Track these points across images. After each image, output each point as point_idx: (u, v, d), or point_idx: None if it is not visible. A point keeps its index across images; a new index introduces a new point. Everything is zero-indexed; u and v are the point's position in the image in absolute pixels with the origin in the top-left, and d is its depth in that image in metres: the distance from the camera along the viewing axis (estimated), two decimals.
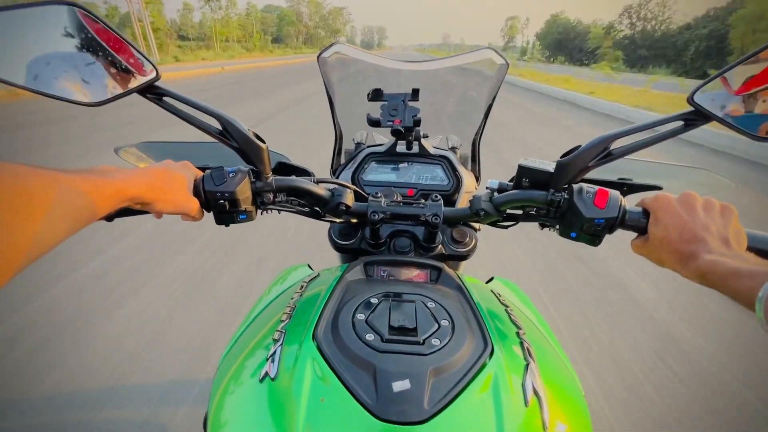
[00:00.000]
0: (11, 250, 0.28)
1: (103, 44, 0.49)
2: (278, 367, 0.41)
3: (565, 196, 0.57)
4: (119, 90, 0.52)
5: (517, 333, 0.49)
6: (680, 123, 0.51)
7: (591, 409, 0.48)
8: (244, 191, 0.57)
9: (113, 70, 0.51)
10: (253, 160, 0.59)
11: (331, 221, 0.73)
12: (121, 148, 0.74)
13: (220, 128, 0.58)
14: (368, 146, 0.90)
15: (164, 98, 0.56)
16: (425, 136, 0.85)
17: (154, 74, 0.53)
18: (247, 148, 0.58)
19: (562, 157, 0.57)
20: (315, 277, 0.64)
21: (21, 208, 0.28)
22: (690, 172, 0.73)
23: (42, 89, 0.48)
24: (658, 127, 0.53)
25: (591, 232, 0.55)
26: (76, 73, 0.49)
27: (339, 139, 0.93)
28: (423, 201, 0.67)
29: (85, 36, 0.48)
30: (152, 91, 0.55)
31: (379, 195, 0.68)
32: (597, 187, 0.56)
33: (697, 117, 0.50)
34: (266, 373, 0.41)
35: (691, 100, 0.49)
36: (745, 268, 0.38)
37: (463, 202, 0.82)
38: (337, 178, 0.86)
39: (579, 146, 0.56)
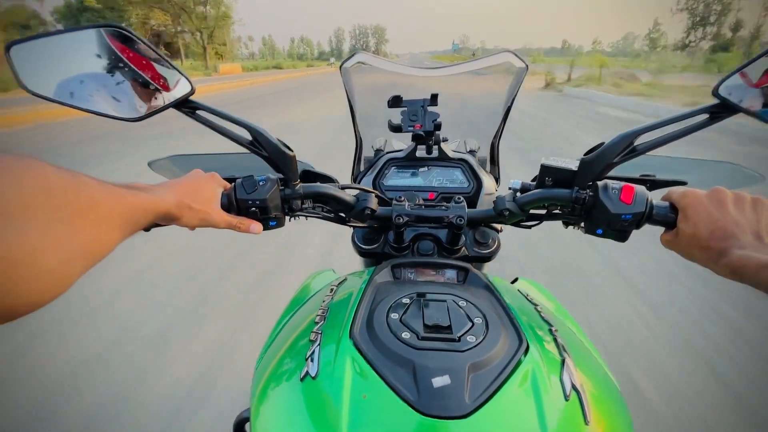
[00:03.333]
0: (78, 256, 0.29)
1: (143, 62, 0.52)
2: (318, 366, 0.42)
3: (590, 194, 0.57)
4: (157, 105, 0.55)
5: (550, 330, 0.49)
6: (705, 116, 0.51)
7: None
8: (274, 198, 0.59)
9: (152, 87, 0.54)
10: (282, 169, 0.61)
11: (355, 226, 0.74)
12: (154, 161, 0.78)
13: (251, 138, 0.60)
14: (388, 152, 0.91)
15: (197, 111, 0.58)
16: (445, 140, 0.86)
17: (189, 89, 0.56)
18: (276, 157, 0.60)
19: (585, 154, 0.58)
20: (343, 281, 0.65)
21: (88, 217, 0.30)
22: (716, 166, 0.73)
23: (86, 107, 0.51)
24: (683, 121, 0.53)
25: (618, 228, 0.55)
26: (118, 90, 0.52)
27: (359, 146, 0.95)
28: (446, 204, 0.68)
29: (126, 55, 0.51)
30: (187, 105, 0.57)
31: (403, 199, 0.69)
32: (623, 183, 0.56)
33: (722, 110, 0.50)
34: (307, 373, 0.42)
35: (716, 93, 0.49)
36: None
37: (483, 204, 0.82)
38: (359, 184, 0.88)
39: (602, 143, 0.57)
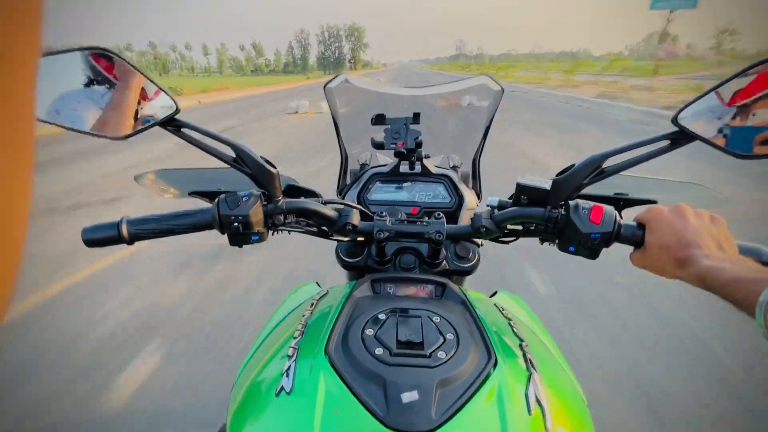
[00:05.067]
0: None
1: (129, 83, 0.54)
2: (293, 382, 0.44)
3: (562, 213, 0.60)
4: (143, 124, 0.56)
5: (520, 345, 0.51)
6: (667, 142, 0.54)
7: (594, 418, 0.49)
8: (256, 214, 0.61)
9: (138, 106, 0.55)
10: (265, 185, 0.62)
11: (338, 240, 0.76)
12: (140, 176, 0.79)
13: (234, 156, 0.62)
14: (372, 167, 0.94)
15: (182, 129, 0.60)
16: (427, 156, 0.88)
17: (174, 108, 0.57)
18: (259, 174, 0.62)
19: (557, 175, 0.60)
20: (324, 294, 0.67)
21: None
22: (684, 187, 0.76)
23: (74, 126, 0.52)
24: (647, 146, 0.56)
25: (588, 247, 0.58)
26: (105, 110, 0.54)
27: (345, 161, 0.97)
28: (426, 219, 0.70)
29: (113, 76, 0.53)
30: (172, 124, 0.59)
31: (384, 214, 0.71)
32: (592, 204, 0.58)
33: (681, 137, 0.53)
34: (282, 388, 0.43)
35: (675, 121, 0.52)
36: (745, 275, 0.40)
37: (465, 219, 0.85)
38: (343, 198, 0.90)
39: (573, 165, 0.59)
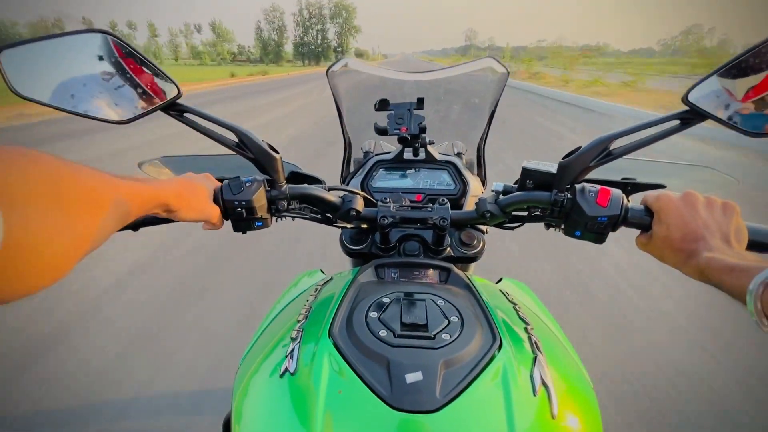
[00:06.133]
0: (76, 242, 0.31)
1: (131, 67, 0.54)
2: (297, 363, 0.44)
3: (569, 196, 0.59)
4: (145, 108, 0.56)
5: (525, 328, 0.51)
6: (677, 122, 0.53)
7: (600, 403, 0.49)
8: (260, 199, 0.60)
9: (140, 90, 0.55)
10: (268, 170, 0.62)
11: (342, 227, 0.76)
12: (143, 162, 0.79)
13: (237, 141, 0.61)
14: (376, 154, 0.93)
15: (185, 114, 0.60)
16: (431, 143, 0.87)
17: (176, 92, 0.57)
18: (262, 159, 0.61)
19: (563, 158, 0.60)
20: (328, 280, 0.67)
21: (86, 205, 0.32)
22: (693, 170, 0.75)
23: (75, 110, 0.52)
24: (656, 127, 0.54)
25: (595, 231, 0.57)
26: (106, 94, 0.54)
27: (348, 148, 0.96)
28: (430, 205, 0.70)
29: (114, 60, 0.52)
30: (174, 108, 0.58)
31: (388, 200, 0.70)
32: (599, 186, 0.57)
33: (692, 116, 0.52)
34: (286, 369, 0.43)
35: (685, 100, 0.51)
36: (741, 264, 0.40)
37: (469, 205, 0.84)
38: (347, 185, 0.89)
39: (579, 147, 0.58)
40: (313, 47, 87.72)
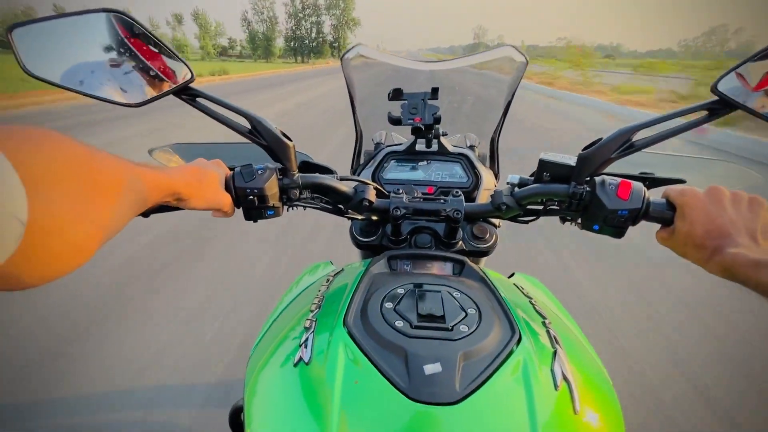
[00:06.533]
0: (97, 227, 0.30)
1: (143, 48, 0.52)
2: (311, 352, 0.43)
3: (587, 189, 0.57)
4: (157, 91, 0.55)
5: (543, 323, 0.49)
6: (704, 113, 0.52)
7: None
8: (271, 187, 0.59)
9: (152, 73, 0.54)
10: (281, 158, 0.61)
11: (353, 218, 0.75)
12: (154, 149, 0.78)
13: (250, 127, 0.60)
14: (387, 146, 0.92)
15: (197, 99, 0.59)
16: (444, 134, 0.86)
17: (189, 76, 0.56)
18: (275, 146, 0.60)
19: (583, 150, 0.58)
20: (339, 271, 0.66)
21: (107, 190, 0.31)
22: (715, 165, 0.73)
23: (87, 91, 0.51)
24: (681, 118, 0.53)
25: (614, 224, 0.56)
26: (118, 75, 0.52)
27: (359, 139, 0.95)
28: (444, 197, 0.68)
29: (127, 41, 0.51)
30: (187, 93, 0.57)
31: (401, 192, 0.69)
32: (620, 179, 0.56)
33: (721, 106, 0.50)
34: (300, 358, 0.42)
35: (714, 89, 0.49)
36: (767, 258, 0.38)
37: (482, 199, 0.83)
38: (358, 176, 0.88)
39: (600, 138, 0.57)
40: (307, 42, 76.10)
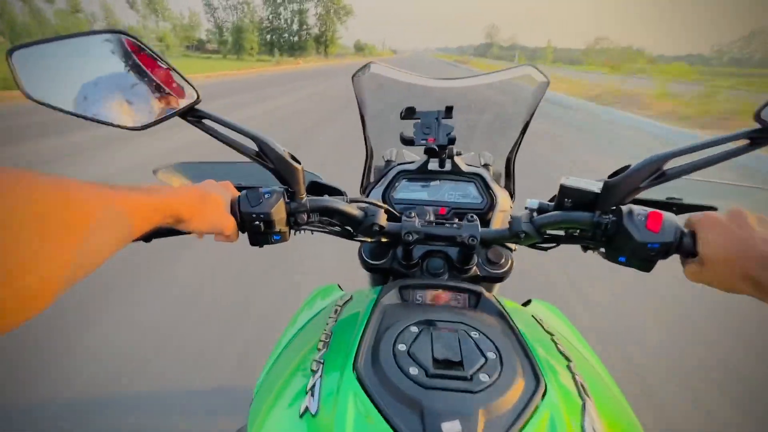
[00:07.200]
0: (66, 267, 0.27)
1: (148, 69, 0.50)
2: (319, 402, 0.40)
3: (613, 218, 0.54)
4: (162, 113, 0.53)
5: (568, 366, 0.46)
6: (745, 141, 0.48)
7: None
8: (279, 212, 0.57)
9: (157, 95, 0.52)
10: (288, 181, 0.59)
11: (362, 241, 0.72)
12: (158, 169, 0.76)
13: (257, 149, 0.58)
14: (399, 164, 0.89)
15: (203, 120, 0.56)
16: (458, 154, 0.83)
17: (195, 97, 0.54)
18: (283, 169, 0.58)
19: (610, 176, 0.55)
20: (348, 300, 0.63)
21: (68, 222, 0.28)
22: (750, 192, 0.69)
23: (89, 115, 0.49)
24: (719, 146, 0.49)
25: (643, 258, 0.52)
26: (122, 98, 0.50)
27: (370, 157, 0.92)
28: (457, 221, 0.65)
29: (131, 62, 0.49)
30: (192, 114, 0.55)
31: (413, 215, 0.66)
32: (649, 210, 0.52)
33: (764, 135, 0.46)
34: (306, 408, 0.40)
35: (758, 117, 0.46)
36: None
37: (497, 221, 0.79)
38: (368, 196, 0.85)
39: (629, 166, 0.54)
40: (287, 35, 59.63)
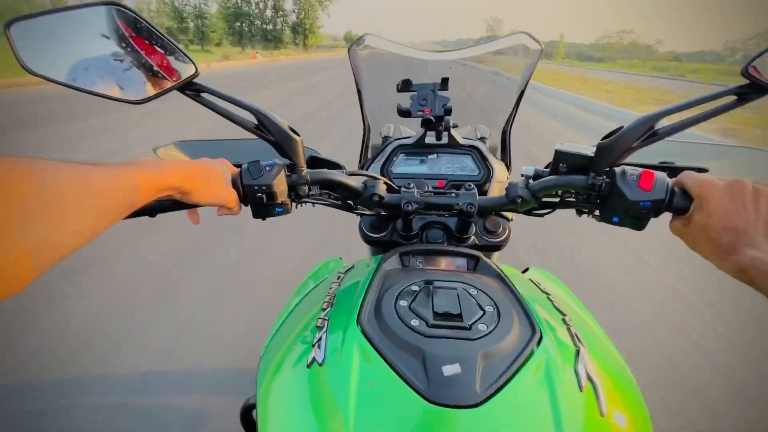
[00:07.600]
0: (42, 248, 0.28)
1: (146, 43, 0.51)
2: (325, 353, 0.41)
3: (607, 180, 0.55)
4: (160, 87, 0.53)
5: (563, 320, 0.48)
6: (733, 97, 0.49)
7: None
8: (280, 184, 0.58)
9: (154, 68, 0.52)
10: (288, 154, 0.59)
11: (363, 213, 0.73)
12: (158, 147, 0.77)
13: (256, 123, 0.59)
14: (396, 139, 0.90)
15: (202, 94, 0.57)
16: (455, 126, 0.84)
17: (193, 71, 0.54)
18: (283, 142, 0.58)
19: (603, 139, 0.56)
20: (350, 268, 0.64)
21: (52, 205, 0.29)
22: (739, 153, 0.70)
23: (88, 88, 0.49)
24: (708, 103, 0.50)
25: (636, 216, 0.53)
26: (121, 71, 0.51)
27: (367, 133, 0.93)
28: (456, 191, 0.66)
29: (130, 35, 0.50)
30: (191, 88, 0.56)
31: (412, 186, 0.67)
32: (641, 169, 0.53)
33: (752, 90, 0.47)
34: (313, 359, 0.41)
35: (745, 72, 0.46)
36: None
37: (494, 191, 0.80)
38: (367, 171, 0.86)
39: (621, 127, 0.54)
40: (259, 23, 50.47)
